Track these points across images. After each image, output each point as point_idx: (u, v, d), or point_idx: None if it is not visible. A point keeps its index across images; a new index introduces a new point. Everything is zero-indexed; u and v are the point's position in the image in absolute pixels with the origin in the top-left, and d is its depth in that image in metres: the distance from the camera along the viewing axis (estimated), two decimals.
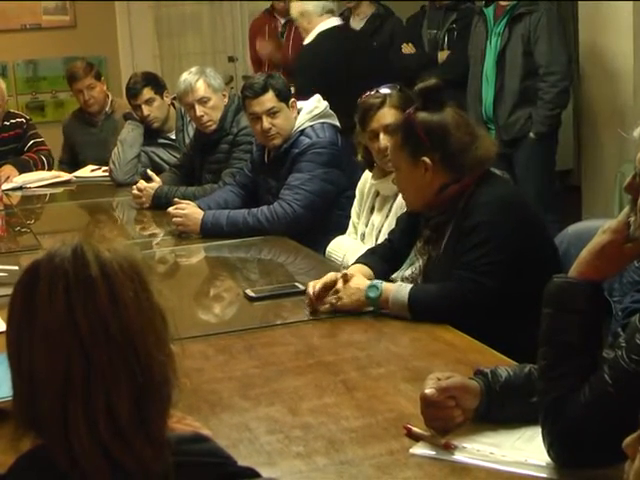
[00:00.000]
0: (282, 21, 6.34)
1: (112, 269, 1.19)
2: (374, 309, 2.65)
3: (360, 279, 2.71)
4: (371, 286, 2.64)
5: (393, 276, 2.79)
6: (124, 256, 1.22)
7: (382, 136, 3.21)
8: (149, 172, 4.59)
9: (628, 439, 1.12)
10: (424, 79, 2.75)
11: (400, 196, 3.23)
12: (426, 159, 2.62)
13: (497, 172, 2.85)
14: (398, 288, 2.61)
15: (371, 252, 2.99)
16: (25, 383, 1.18)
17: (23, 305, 1.19)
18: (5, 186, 4.99)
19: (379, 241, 3.24)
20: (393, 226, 3.18)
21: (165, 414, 1.20)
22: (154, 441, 1.17)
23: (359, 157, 3.39)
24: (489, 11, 5.22)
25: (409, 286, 2.60)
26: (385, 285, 2.64)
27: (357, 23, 6.07)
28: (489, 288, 2.50)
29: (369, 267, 2.86)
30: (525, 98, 5.10)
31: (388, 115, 3.19)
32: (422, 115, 2.65)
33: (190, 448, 1.22)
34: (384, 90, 3.24)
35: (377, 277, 2.80)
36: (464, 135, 2.66)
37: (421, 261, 2.73)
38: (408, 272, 2.74)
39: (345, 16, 6.17)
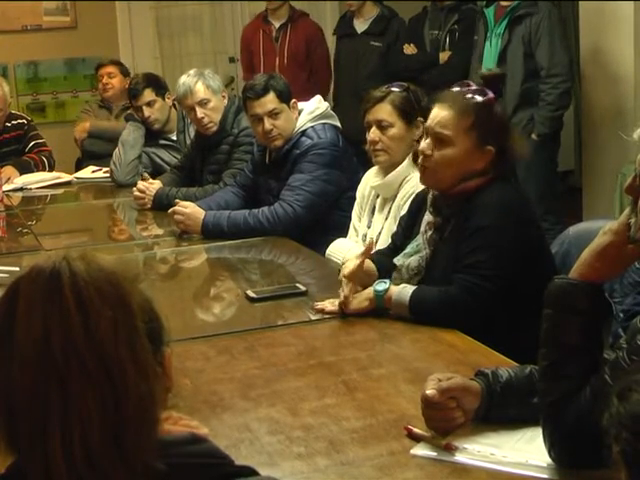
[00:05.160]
0: (276, 25, 6.34)
1: (88, 297, 1.13)
2: (378, 305, 2.64)
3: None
4: (380, 281, 2.64)
5: (396, 261, 2.75)
6: (106, 277, 1.16)
7: (373, 129, 3.24)
8: (146, 175, 4.58)
9: None
10: (490, 68, 2.72)
11: (399, 197, 3.24)
12: (491, 148, 2.58)
13: None
14: (401, 289, 2.60)
15: (376, 252, 3.00)
16: (3, 405, 1.15)
17: (2, 328, 1.15)
18: (6, 187, 5.00)
19: (380, 242, 3.25)
20: (393, 227, 3.18)
21: (147, 445, 1.15)
22: (135, 474, 1.13)
23: (367, 147, 3.39)
24: (489, 12, 5.23)
25: (412, 288, 2.60)
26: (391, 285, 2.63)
27: (361, 25, 6.07)
28: (490, 291, 2.49)
29: (370, 259, 2.84)
30: (526, 100, 5.11)
31: (383, 110, 3.23)
32: (498, 106, 2.63)
33: (186, 450, 1.21)
34: (394, 88, 3.27)
35: (378, 270, 2.79)
36: (513, 131, 2.68)
37: (429, 250, 2.69)
38: (415, 263, 2.69)
39: (347, 18, 6.18)
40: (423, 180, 2.74)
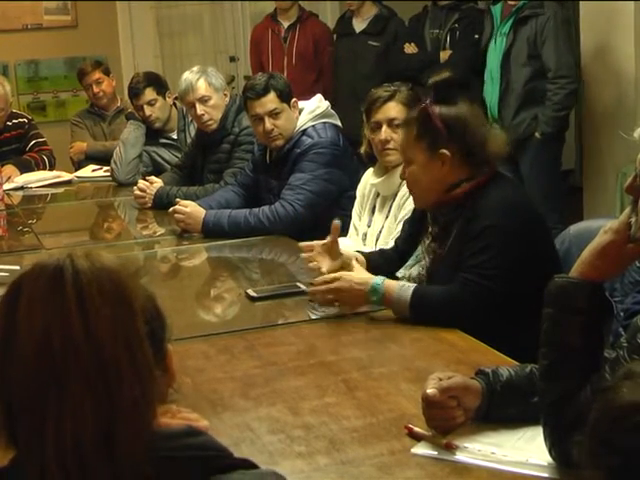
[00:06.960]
0: (285, 25, 6.34)
1: (90, 295, 1.13)
2: (376, 303, 2.63)
3: (362, 273, 2.70)
4: (373, 290, 2.60)
5: (399, 274, 2.77)
6: (108, 276, 1.16)
7: (384, 128, 3.24)
8: (149, 178, 4.58)
9: None
10: (438, 72, 2.72)
11: (399, 196, 3.24)
12: (445, 151, 2.59)
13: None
14: (401, 287, 2.59)
15: (379, 252, 3.00)
16: (4, 402, 1.15)
17: (4, 323, 1.15)
18: (6, 186, 4.99)
19: (380, 241, 3.25)
20: (393, 226, 3.18)
21: (138, 446, 1.14)
22: (124, 474, 1.12)
23: (362, 149, 3.39)
24: (496, 9, 5.23)
25: (413, 286, 2.59)
26: (387, 283, 2.60)
27: (360, 25, 6.07)
28: (493, 292, 2.49)
29: (365, 258, 2.87)
30: (530, 99, 5.11)
31: (394, 109, 3.23)
32: (439, 107, 2.62)
33: (183, 442, 1.20)
34: (399, 86, 3.28)
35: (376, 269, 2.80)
36: (481, 128, 2.65)
37: (428, 259, 2.71)
38: (415, 272, 2.71)
39: (347, 17, 6.18)
40: (414, 202, 2.82)
